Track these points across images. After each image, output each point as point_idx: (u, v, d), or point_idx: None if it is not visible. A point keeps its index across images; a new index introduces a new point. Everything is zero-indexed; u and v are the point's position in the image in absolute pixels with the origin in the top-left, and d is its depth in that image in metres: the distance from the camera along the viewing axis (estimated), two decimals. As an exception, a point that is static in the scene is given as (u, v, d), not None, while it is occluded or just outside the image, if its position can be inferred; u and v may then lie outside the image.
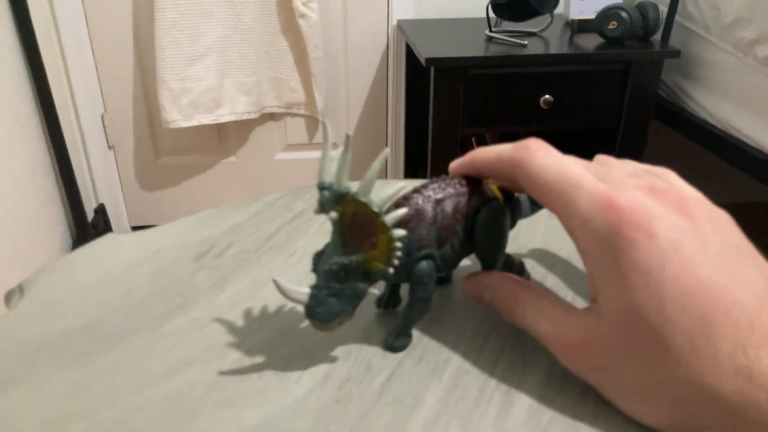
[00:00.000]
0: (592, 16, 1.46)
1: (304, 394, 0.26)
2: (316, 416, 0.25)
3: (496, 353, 0.28)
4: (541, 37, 1.49)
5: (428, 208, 0.28)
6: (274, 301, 0.32)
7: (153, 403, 0.26)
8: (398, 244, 0.26)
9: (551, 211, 0.26)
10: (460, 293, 0.32)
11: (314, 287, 0.26)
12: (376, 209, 0.25)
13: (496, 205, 0.29)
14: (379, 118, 1.91)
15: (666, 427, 0.23)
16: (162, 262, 0.36)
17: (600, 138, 1.51)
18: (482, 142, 1.65)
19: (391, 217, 0.25)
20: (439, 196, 0.28)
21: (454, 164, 0.30)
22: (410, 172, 1.89)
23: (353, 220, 0.26)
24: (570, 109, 1.40)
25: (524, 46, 1.38)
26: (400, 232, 0.26)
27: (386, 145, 1.94)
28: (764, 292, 0.21)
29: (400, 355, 0.28)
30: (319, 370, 0.27)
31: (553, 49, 1.40)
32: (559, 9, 1.55)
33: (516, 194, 0.32)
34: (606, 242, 0.23)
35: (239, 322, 0.30)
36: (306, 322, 0.30)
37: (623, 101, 1.40)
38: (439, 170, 1.41)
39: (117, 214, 1.91)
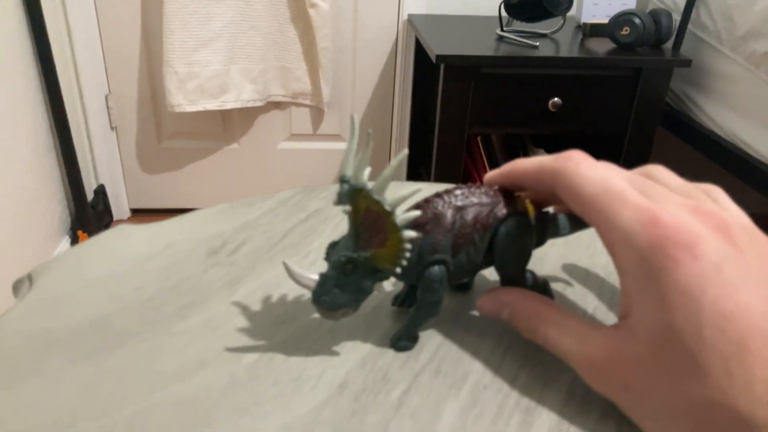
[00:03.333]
0: (604, 20, 1.45)
1: (320, 404, 0.25)
2: (333, 428, 0.24)
3: (516, 369, 0.28)
4: (552, 39, 1.48)
5: (448, 214, 0.27)
6: (288, 303, 0.31)
7: (165, 406, 0.25)
8: (407, 246, 0.26)
9: (591, 224, 0.25)
10: (475, 305, 0.32)
11: (323, 275, 0.26)
12: (388, 208, 0.25)
13: (521, 220, 0.28)
14: (385, 112, 1.90)
15: None
16: (173, 258, 0.35)
17: (606, 143, 1.50)
18: (488, 142, 1.64)
19: (402, 218, 0.25)
20: (461, 203, 0.28)
21: (491, 175, 0.29)
22: (413, 170, 1.88)
23: (366, 216, 0.26)
24: (578, 112, 1.40)
25: (535, 47, 1.37)
26: (410, 234, 0.25)
27: (390, 140, 1.93)
28: None
29: (417, 368, 0.28)
30: (335, 378, 0.27)
31: (564, 52, 1.39)
32: (572, 12, 1.54)
33: (552, 212, 0.31)
34: (647, 259, 0.22)
35: (253, 323, 0.30)
36: (322, 326, 0.30)
37: (631, 107, 1.39)
38: (444, 168, 1.41)
39: (116, 196, 1.90)
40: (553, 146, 1.65)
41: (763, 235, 0.24)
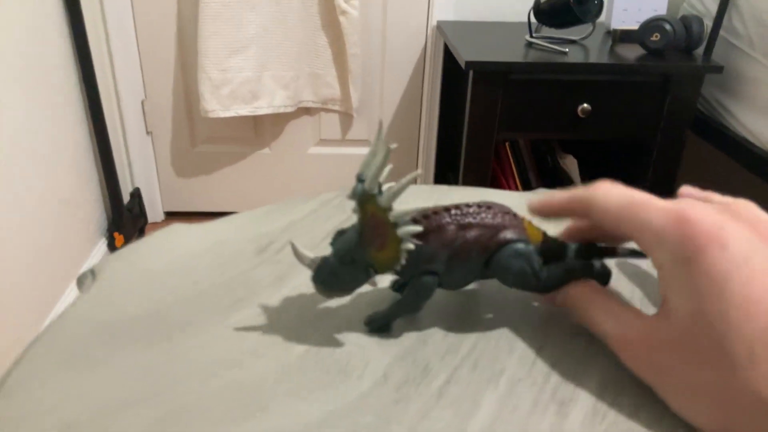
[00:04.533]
0: (634, 26, 1.45)
1: (365, 393, 0.27)
2: (377, 415, 0.26)
3: (550, 364, 0.29)
4: (581, 45, 1.48)
5: (450, 228, 0.29)
6: (333, 299, 0.33)
7: (222, 391, 0.27)
8: (404, 256, 0.28)
9: (626, 236, 0.28)
10: (511, 302, 0.33)
11: (324, 258, 0.29)
12: (391, 219, 0.27)
13: (520, 249, 0.29)
14: (413, 118, 1.92)
15: (713, 431, 0.24)
16: (224, 255, 0.37)
17: (636, 149, 1.50)
18: (516, 147, 1.65)
19: (404, 231, 0.27)
20: (468, 221, 0.29)
21: (534, 206, 0.31)
22: (441, 175, 1.89)
23: (371, 219, 0.28)
24: (607, 119, 1.40)
25: (565, 53, 1.38)
26: (408, 246, 0.28)
27: (418, 146, 1.95)
28: None
29: (456, 361, 0.29)
30: (378, 369, 0.29)
31: (594, 58, 1.39)
32: (601, 18, 1.54)
33: (561, 239, 0.32)
34: (679, 252, 0.24)
35: (301, 317, 0.32)
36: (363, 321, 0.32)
37: (661, 114, 1.39)
38: (471, 174, 1.42)
39: (151, 199, 1.95)
40: (582, 152, 1.65)
41: None
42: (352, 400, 0.27)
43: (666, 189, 1.42)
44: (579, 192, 0.29)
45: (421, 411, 0.26)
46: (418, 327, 0.31)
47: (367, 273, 0.29)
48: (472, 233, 0.29)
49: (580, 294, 0.30)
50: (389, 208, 0.27)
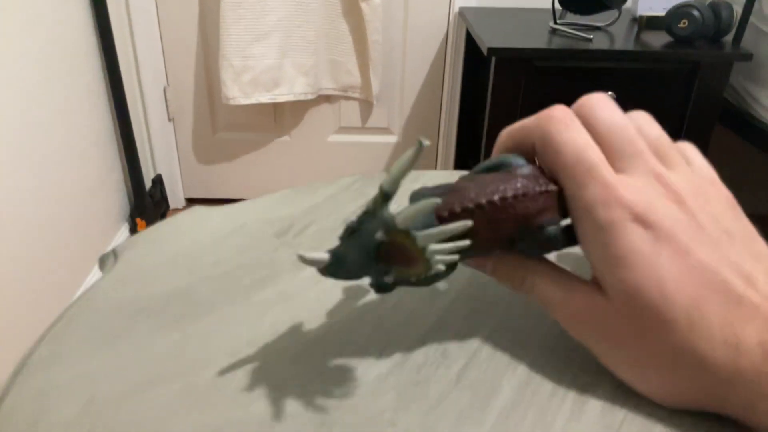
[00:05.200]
0: (661, 13, 1.42)
1: (385, 374, 0.27)
2: (398, 395, 0.26)
3: (570, 351, 0.29)
4: (606, 32, 1.46)
5: (469, 194, 0.26)
6: (352, 282, 0.33)
7: (244, 369, 0.27)
8: (437, 270, 0.24)
9: (563, 188, 0.26)
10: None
11: (335, 254, 0.25)
12: (419, 245, 0.24)
13: (551, 231, 0.27)
14: (434, 105, 1.91)
15: (662, 398, 0.26)
16: (246, 237, 0.37)
17: (660, 139, 1.47)
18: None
19: (433, 253, 0.24)
20: (483, 200, 0.26)
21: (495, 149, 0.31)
22: (462, 162, 1.88)
23: (392, 245, 0.24)
24: (633, 107, 1.36)
25: (589, 40, 1.35)
26: (439, 268, 0.24)
27: (438, 134, 1.94)
28: (753, 273, 0.24)
29: (475, 345, 0.29)
30: (397, 352, 0.29)
31: (619, 45, 1.37)
32: (627, 4, 1.52)
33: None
34: (605, 232, 0.25)
35: (321, 298, 0.32)
36: (384, 303, 0.32)
37: (688, 103, 1.36)
38: (493, 162, 1.41)
39: (173, 185, 1.97)
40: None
41: (722, 194, 0.27)
42: (371, 380, 0.27)
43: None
44: (532, 122, 0.27)
45: (441, 393, 0.26)
46: (437, 312, 0.31)
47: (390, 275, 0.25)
48: (505, 225, 0.26)
49: (514, 261, 0.28)
50: (408, 231, 0.23)
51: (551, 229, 0.26)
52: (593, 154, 0.26)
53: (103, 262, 0.37)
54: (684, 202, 0.25)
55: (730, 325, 0.23)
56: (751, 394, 0.23)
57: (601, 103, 0.28)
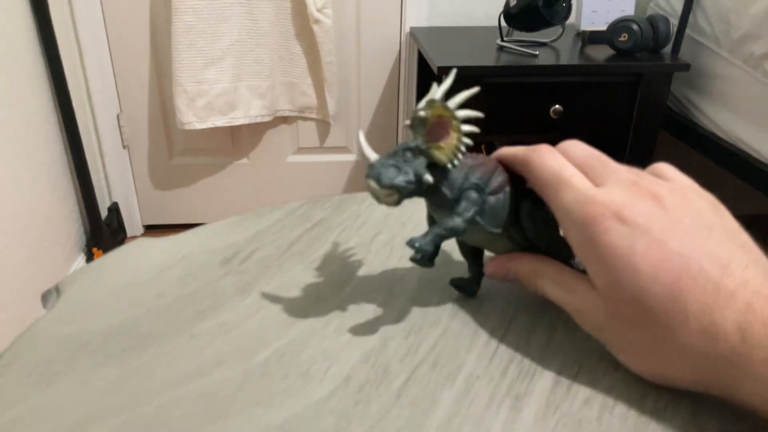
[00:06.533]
0: (603, 27, 1.48)
1: (327, 395, 0.28)
2: (338, 416, 0.27)
3: (507, 361, 0.30)
4: (552, 48, 1.51)
5: (490, 164, 0.32)
6: (296, 306, 0.34)
7: (186, 400, 0.27)
8: (465, 141, 0.30)
9: (547, 201, 0.30)
10: (474, 302, 0.34)
11: (382, 157, 0.30)
12: (458, 117, 0.30)
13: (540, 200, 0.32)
14: (390, 123, 1.93)
15: (655, 378, 0.27)
16: (190, 267, 0.38)
17: (609, 148, 1.51)
18: (492, 150, 1.67)
19: (463, 114, 0.30)
20: (500, 167, 0.32)
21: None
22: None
23: (439, 118, 0.30)
24: (580, 119, 1.42)
25: (535, 56, 1.40)
26: (468, 128, 0.30)
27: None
28: (731, 263, 0.25)
29: (416, 361, 0.30)
30: (341, 372, 0.29)
31: (564, 60, 1.41)
32: (571, 19, 1.57)
33: None
34: (583, 231, 0.27)
35: (264, 325, 0.32)
36: (328, 326, 0.32)
37: (632, 113, 1.41)
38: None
39: (130, 213, 1.94)
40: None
41: (703, 196, 0.28)
42: (313, 403, 0.28)
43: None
44: (522, 153, 0.32)
45: (381, 411, 0.27)
46: (380, 331, 0.32)
47: (424, 168, 0.30)
48: (503, 174, 0.32)
49: (528, 269, 0.32)
50: (453, 110, 0.30)
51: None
52: (569, 170, 0.30)
53: (45, 298, 0.37)
54: (660, 199, 0.27)
55: (709, 313, 0.24)
56: (733, 376, 0.24)
57: (576, 142, 0.32)
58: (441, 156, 0.30)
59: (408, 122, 0.30)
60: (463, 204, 0.31)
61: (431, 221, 0.34)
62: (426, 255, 0.31)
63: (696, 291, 0.25)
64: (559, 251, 0.32)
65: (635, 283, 0.26)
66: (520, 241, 0.33)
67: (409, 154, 0.30)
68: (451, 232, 0.31)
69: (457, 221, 0.31)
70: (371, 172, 0.29)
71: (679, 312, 0.25)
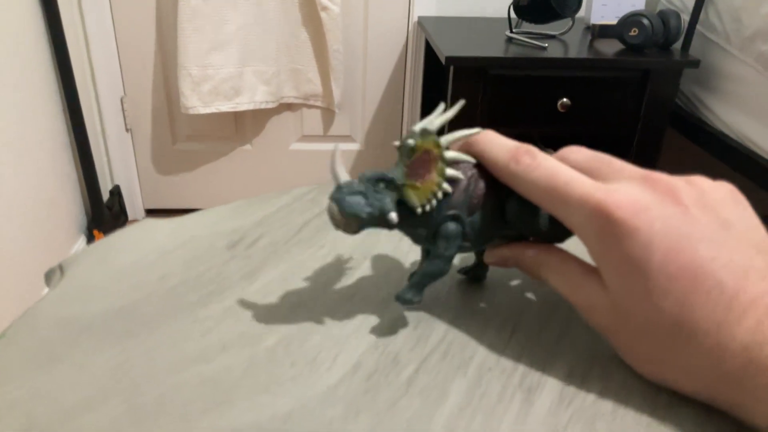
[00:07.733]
0: (613, 21, 1.46)
1: (335, 384, 0.27)
2: (346, 405, 0.26)
3: (518, 352, 0.29)
4: (561, 41, 1.49)
5: (464, 176, 0.30)
6: (304, 292, 0.33)
7: (189, 386, 0.27)
8: (444, 186, 0.28)
9: (552, 213, 0.29)
10: (484, 292, 0.34)
11: (353, 181, 0.28)
12: (446, 158, 0.28)
13: None
14: (395, 113, 1.92)
15: (658, 382, 0.27)
16: (195, 250, 0.37)
17: (615, 144, 1.51)
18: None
19: (451, 155, 0.28)
20: (471, 172, 0.30)
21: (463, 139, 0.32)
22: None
23: (425, 153, 0.28)
24: (587, 113, 1.41)
25: (544, 48, 1.38)
26: (446, 188, 0.28)
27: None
28: (749, 271, 0.23)
29: (426, 350, 0.29)
30: (349, 360, 0.29)
31: (573, 53, 1.40)
32: (581, 13, 1.55)
33: None
34: (599, 240, 0.26)
35: (271, 311, 0.32)
36: (336, 312, 0.32)
37: (640, 108, 1.40)
38: (453, 168, 1.42)
39: (132, 197, 1.93)
40: (563, 145, 1.66)
41: (718, 184, 0.27)
42: (321, 391, 0.27)
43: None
44: (503, 163, 0.29)
45: (390, 400, 0.26)
46: (389, 318, 0.31)
47: (393, 205, 0.28)
48: (481, 181, 0.30)
49: (530, 259, 0.30)
50: (443, 148, 0.28)
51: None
52: (564, 174, 0.27)
53: (49, 277, 0.36)
54: (676, 193, 0.25)
55: (717, 333, 0.23)
56: (737, 395, 0.24)
57: (575, 147, 0.30)
58: (413, 198, 0.28)
59: (397, 144, 0.28)
60: (442, 243, 0.29)
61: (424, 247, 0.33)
62: (418, 298, 0.31)
63: (707, 308, 0.23)
64: (556, 233, 0.31)
65: (647, 298, 0.25)
66: (515, 236, 0.31)
67: (381, 185, 0.28)
68: (437, 276, 0.30)
69: (438, 265, 0.30)
70: (336, 194, 0.28)
71: (687, 330, 0.24)
